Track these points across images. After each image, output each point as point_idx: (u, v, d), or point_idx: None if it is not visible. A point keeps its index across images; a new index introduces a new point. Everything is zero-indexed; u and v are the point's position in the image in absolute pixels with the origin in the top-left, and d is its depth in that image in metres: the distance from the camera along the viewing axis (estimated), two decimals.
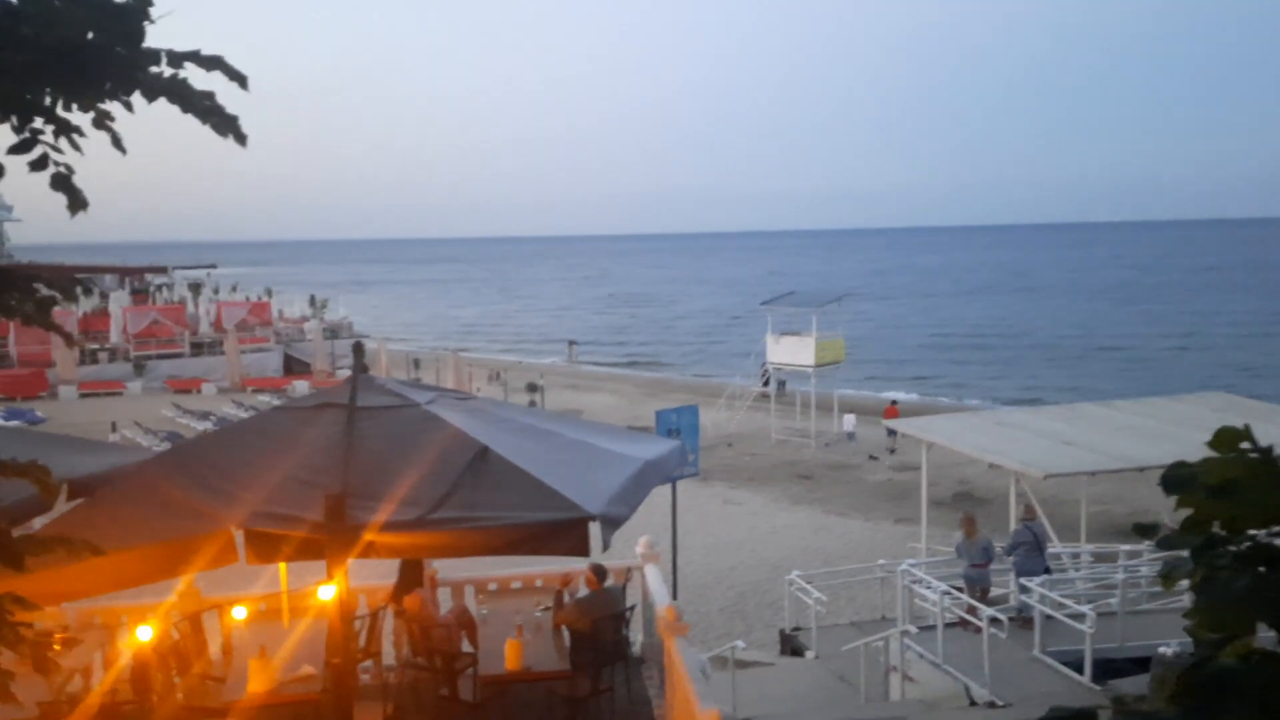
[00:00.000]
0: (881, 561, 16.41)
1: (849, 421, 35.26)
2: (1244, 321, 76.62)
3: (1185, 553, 2.20)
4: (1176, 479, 2.21)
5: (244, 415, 32.73)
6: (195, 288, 65.68)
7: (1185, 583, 2.17)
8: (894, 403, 38.89)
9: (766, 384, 40.28)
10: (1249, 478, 2.09)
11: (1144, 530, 2.54)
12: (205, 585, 9.65)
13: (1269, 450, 2.10)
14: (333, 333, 52.99)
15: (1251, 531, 2.18)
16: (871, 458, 31.80)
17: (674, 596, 11.89)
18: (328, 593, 5.97)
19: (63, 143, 3.30)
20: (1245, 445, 2.20)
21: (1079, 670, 11.63)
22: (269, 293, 67.64)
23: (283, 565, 8.79)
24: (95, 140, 3.55)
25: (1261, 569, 2.06)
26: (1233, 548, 2.15)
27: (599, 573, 9.18)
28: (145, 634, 7.90)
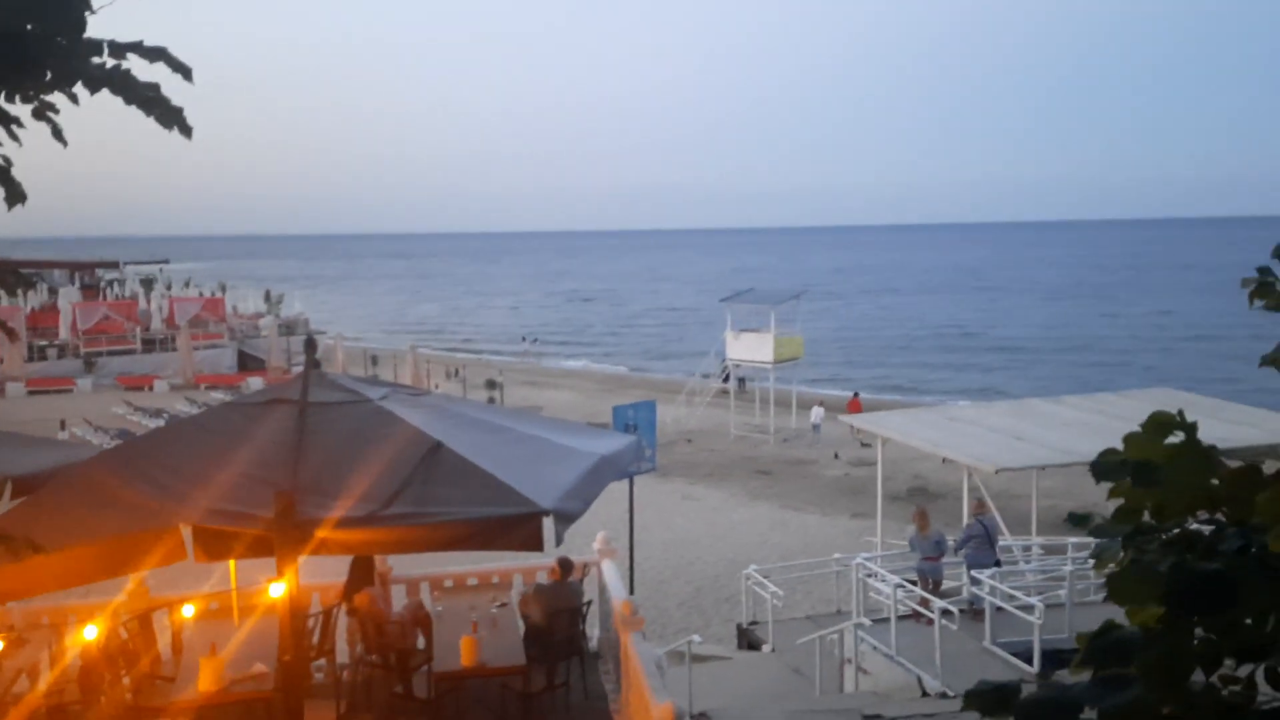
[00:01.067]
0: (837, 555, 16.56)
1: (816, 414, 35.49)
2: (1200, 322, 77.09)
3: (1118, 539, 2.28)
4: (1106, 466, 2.28)
5: (196, 412, 32.25)
6: (147, 283, 64.53)
7: None
8: (856, 395, 39.14)
9: (726, 380, 40.46)
10: (1173, 459, 2.17)
11: (1078, 520, 2.61)
12: (154, 584, 9.53)
13: (1194, 428, 2.18)
14: (288, 329, 52.32)
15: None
16: (835, 456, 31.72)
17: (631, 591, 11.93)
18: (278, 590, 5.93)
19: (1, 134, 3.25)
20: (1176, 434, 2.28)
21: (1028, 661, 11.81)
22: (223, 288, 66.65)
23: (232, 563, 8.71)
24: (44, 132, 3.49)
25: (1187, 555, 2.13)
26: (1161, 535, 2.22)
27: (564, 566, 9.23)
28: (91, 633, 7.79)
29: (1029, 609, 11.92)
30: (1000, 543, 14.55)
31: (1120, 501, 2.30)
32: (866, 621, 13.48)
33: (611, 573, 10.22)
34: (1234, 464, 2.28)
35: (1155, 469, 2.24)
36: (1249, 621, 1.94)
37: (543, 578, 10.19)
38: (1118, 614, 2.13)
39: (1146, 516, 2.26)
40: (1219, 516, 2.21)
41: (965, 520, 14.83)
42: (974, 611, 13.27)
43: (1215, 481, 2.22)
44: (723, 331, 37.29)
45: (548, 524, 5.69)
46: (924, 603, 13.16)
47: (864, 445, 31.16)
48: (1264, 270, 2.61)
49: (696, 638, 14.05)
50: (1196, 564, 1.91)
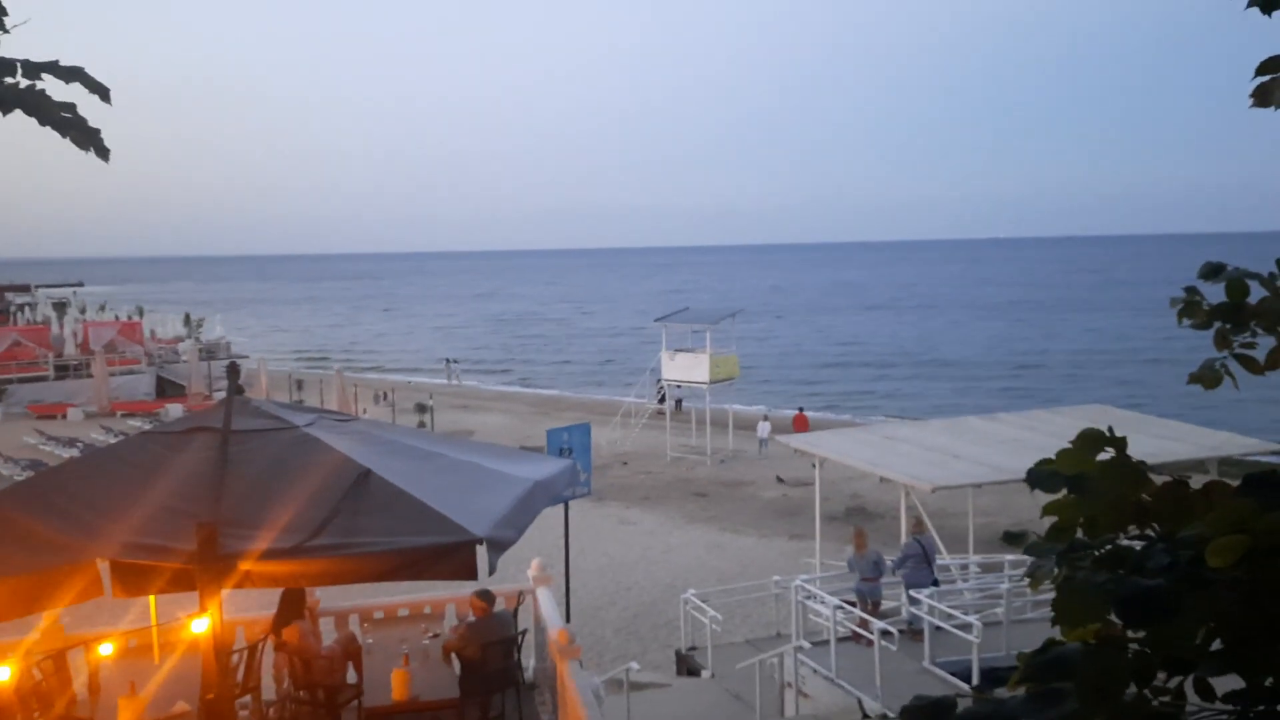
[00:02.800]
0: (775, 578, 16.57)
1: (763, 429, 35.58)
2: (1136, 339, 77.64)
3: (1052, 557, 2.30)
4: (1041, 475, 2.31)
5: (113, 441, 31.29)
6: (60, 307, 62.50)
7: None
8: (801, 409, 39.37)
9: (663, 401, 40.49)
10: (1103, 473, 2.19)
11: (1013, 538, 2.63)
12: (70, 621, 9.16)
13: (1123, 444, 2.20)
14: (209, 353, 51.03)
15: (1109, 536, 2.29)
16: (779, 479, 30.96)
17: (567, 619, 11.79)
18: (201, 626, 5.72)
19: None
20: (1107, 450, 2.31)
21: (967, 680, 11.93)
22: (140, 312, 64.84)
23: (152, 598, 8.40)
24: None
25: (1119, 570, 2.15)
26: (1093, 551, 2.24)
27: (485, 598, 9.02)
28: (3, 674, 7.44)
29: (967, 628, 12.05)
30: (938, 561, 14.71)
31: (1053, 519, 2.32)
32: (806, 644, 13.49)
33: (547, 600, 10.09)
34: (1163, 479, 2.32)
35: (1089, 478, 2.27)
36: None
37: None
38: (1054, 631, 2.13)
39: (1079, 533, 2.28)
40: (1149, 532, 2.24)
41: (903, 540, 14.97)
42: (913, 632, 13.37)
43: (1145, 497, 2.25)
44: (658, 352, 37.31)
45: (481, 552, 5.58)
46: (863, 624, 13.23)
47: (814, 466, 30.81)
48: (1190, 290, 2.66)
49: (634, 665, 13.95)
50: (1140, 579, 1.94)
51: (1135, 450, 2.28)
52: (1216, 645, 1.93)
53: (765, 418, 37.53)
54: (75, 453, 31.08)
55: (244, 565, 5.48)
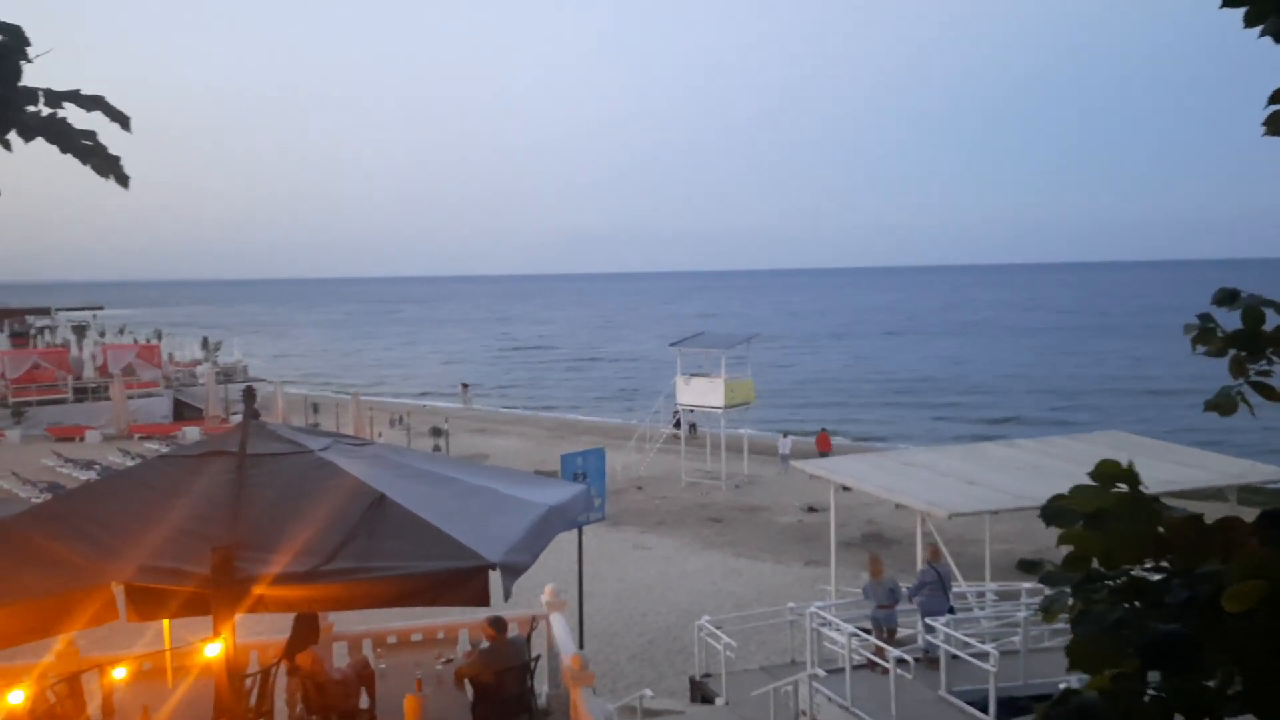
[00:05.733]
0: (791, 604, 16.44)
1: (784, 445, 35.35)
2: (1158, 365, 76.53)
3: (1067, 588, 2.27)
4: (1055, 511, 2.28)
5: (130, 464, 31.39)
6: (80, 330, 62.97)
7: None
8: (824, 429, 39.19)
9: (678, 425, 40.44)
10: (1118, 509, 2.17)
11: (1029, 566, 2.61)
12: (84, 644, 9.18)
13: (1137, 479, 2.18)
14: (226, 376, 51.32)
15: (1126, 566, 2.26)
16: (811, 509, 30.19)
17: (581, 645, 11.73)
18: (215, 650, 5.73)
19: None
20: (1122, 482, 2.28)
21: (984, 709, 11.79)
22: (159, 335, 65.38)
23: (166, 622, 8.42)
24: None
25: (1135, 603, 2.12)
26: (1109, 582, 2.21)
27: (497, 625, 9.00)
28: (17, 698, 7.45)
29: (984, 656, 11.91)
30: (954, 589, 14.57)
31: (1070, 548, 2.29)
32: (821, 672, 13.37)
33: (560, 626, 10.04)
34: (1180, 506, 2.30)
35: (1105, 514, 2.24)
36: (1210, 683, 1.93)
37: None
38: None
39: (1096, 563, 2.26)
40: (1165, 564, 2.21)
41: (919, 566, 14.84)
42: (929, 660, 13.23)
43: (1161, 530, 2.22)
44: (673, 376, 37.25)
45: (495, 578, 5.57)
46: (879, 652, 13.10)
47: (845, 489, 30.24)
48: (1205, 317, 2.65)
49: (648, 692, 13.86)
50: (1158, 625, 1.90)
51: (1154, 477, 2.27)
52: (1236, 687, 1.90)
53: (785, 434, 37.43)
54: (93, 475, 31.26)
55: (258, 589, 5.48)
